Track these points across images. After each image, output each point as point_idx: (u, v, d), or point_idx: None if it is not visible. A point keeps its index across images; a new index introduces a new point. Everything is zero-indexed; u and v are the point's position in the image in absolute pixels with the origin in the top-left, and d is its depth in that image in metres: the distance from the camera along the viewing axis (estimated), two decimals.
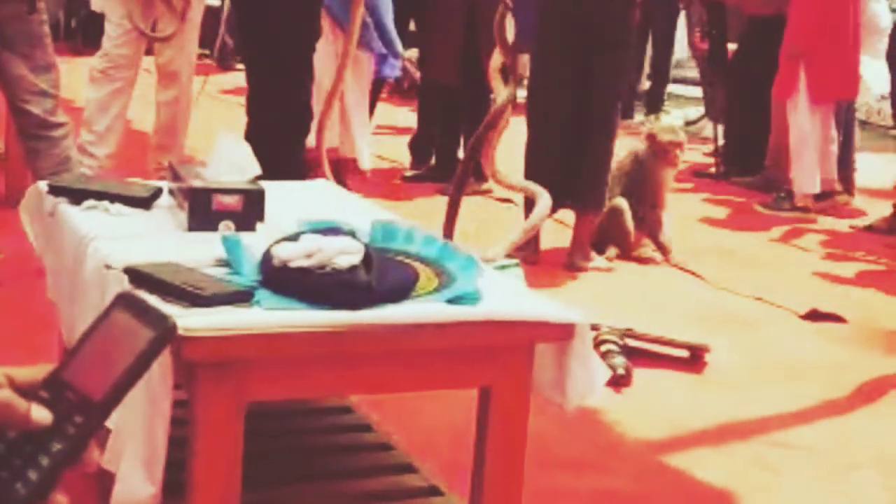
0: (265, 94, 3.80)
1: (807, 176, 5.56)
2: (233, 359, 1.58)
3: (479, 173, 5.27)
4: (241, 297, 1.66)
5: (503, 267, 4.00)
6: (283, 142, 3.65)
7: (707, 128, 7.76)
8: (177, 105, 4.80)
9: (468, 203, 5.31)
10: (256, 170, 2.13)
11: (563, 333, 1.83)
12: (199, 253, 1.84)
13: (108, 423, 1.52)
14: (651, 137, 4.64)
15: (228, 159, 2.09)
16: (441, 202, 4.81)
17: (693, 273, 4.41)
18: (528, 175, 4.19)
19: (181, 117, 4.84)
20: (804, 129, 5.50)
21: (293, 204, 2.25)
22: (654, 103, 8.72)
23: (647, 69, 9.16)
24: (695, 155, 6.97)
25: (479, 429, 1.84)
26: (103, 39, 4.61)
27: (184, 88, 4.82)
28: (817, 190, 5.60)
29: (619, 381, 3.15)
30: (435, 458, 2.29)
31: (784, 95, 5.62)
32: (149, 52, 4.86)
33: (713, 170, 6.54)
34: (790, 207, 5.63)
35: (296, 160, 3.68)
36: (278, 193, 2.24)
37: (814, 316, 3.91)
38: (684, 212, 5.62)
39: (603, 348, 3.27)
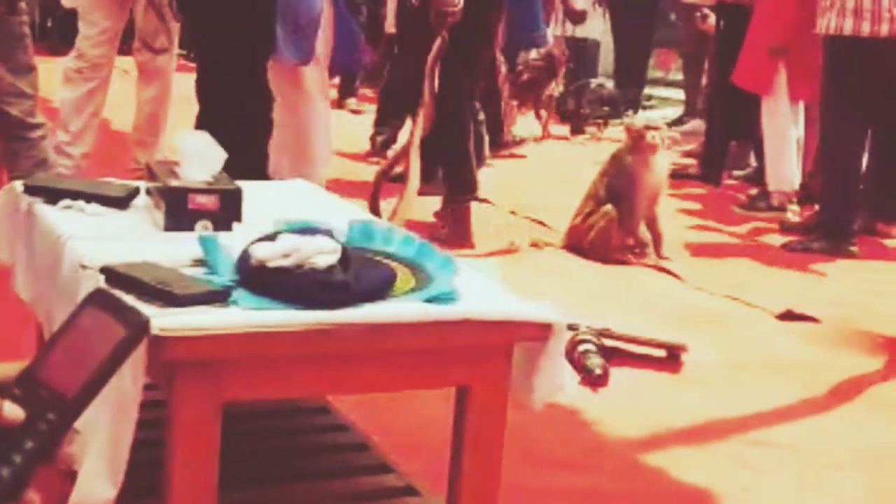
0: (212, 77, 3.72)
1: (783, 174, 5.59)
2: (209, 359, 1.58)
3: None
4: (218, 297, 1.66)
5: (481, 265, 4.01)
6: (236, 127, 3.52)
7: (691, 124, 7.84)
8: (159, 102, 4.81)
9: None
10: (222, 154, 2.12)
11: (540, 333, 1.84)
12: (176, 253, 1.84)
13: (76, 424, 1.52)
14: (628, 128, 4.68)
15: (195, 155, 2.09)
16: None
17: (669, 272, 4.43)
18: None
19: (163, 115, 4.85)
20: (782, 127, 5.51)
21: (271, 204, 2.24)
22: (632, 105, 8.79)
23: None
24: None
25: (456, 428, 1.85)
26: (77, 39, 4.60)
27: (167, 86, 4.83)
28: (794, 188, 5.63)
29: (596, 382, 3.16)
30: (413, 458, 2.29)
31: (763, 92, 5.64)
32: (125, 52, 4.87)
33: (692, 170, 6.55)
34: (766, 207, 5.66)
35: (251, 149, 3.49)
36: (256, 193, 2.23)
37: (789, 316, 3.93)
38: (661, 210, 5.65)
39: (580, 348, 3.28)
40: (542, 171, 6.54)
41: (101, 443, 1.53)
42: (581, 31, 8.47)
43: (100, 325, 0.77)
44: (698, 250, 4.90)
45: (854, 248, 4.87)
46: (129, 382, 1.53)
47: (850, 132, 4.94)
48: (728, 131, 6.33)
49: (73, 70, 4.57)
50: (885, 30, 4.71)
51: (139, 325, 0.76)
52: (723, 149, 6.43)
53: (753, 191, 5.99)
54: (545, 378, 1.86)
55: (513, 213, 5.34)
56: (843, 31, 4.76)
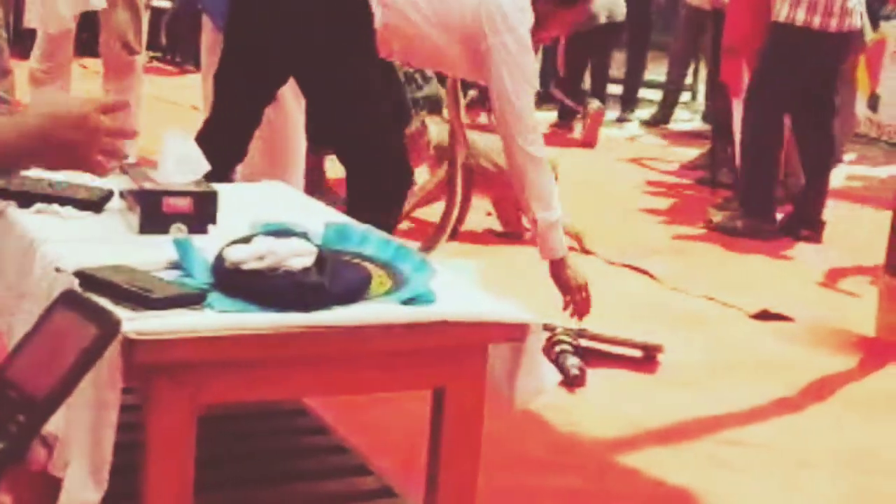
0: None
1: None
2: (185, 362, 1.57)
3: None
4: (193, 300, 1.65)
5: (459, 267, 4.01)
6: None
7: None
8: (135, 104, 4.81)
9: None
10: (205, 166, 2.11)
11: (516, 333, 1.84)
12: (151, 256, 1.83)
13: (55, 429, 1.52)
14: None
15: (177, 158, 2.08)
16: None
17: (645, 272, 4.44)
18: None
19: (135, 114, 4.85)
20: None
21: (246, 206, 2.23)
22: (628, 104, 8.85)
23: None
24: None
25: (433, 430, 1.85)
26: (39, 36, 4.62)
27: (138, 81, 4.89)
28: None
29: (573, 382, 3.17)
30: (390, 460, 2.29)
31: (733, 94, 5.68)
32: (87, 53, 4.91)
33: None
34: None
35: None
36: (231, 195, 2.22)
37: (764, 316, 3.96)
38: (635, 209, 5.68)
39: (557, 349, 3.29)
40: None
41: (82, 447, 1.53)
42: None
43: (70, 325, 0.76)
44: (674, 250, 4.92)
45: (772, 230, 5.14)
46: (107, 386, 1.52)
47: (776, 118, 5.19)
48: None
49: (41, 71, 4.59)
50: (833, 24, 4.97)
51: (110, 325, 0.76)
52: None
53: None
54: (527, 379, 1.86)
55: (489, 214, 5.35)
56: (795, 21, 4.98)
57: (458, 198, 4.31)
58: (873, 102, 7.76)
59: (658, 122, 8.63)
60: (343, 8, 3.10)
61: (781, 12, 5.04)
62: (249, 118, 3.23)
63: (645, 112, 9.00)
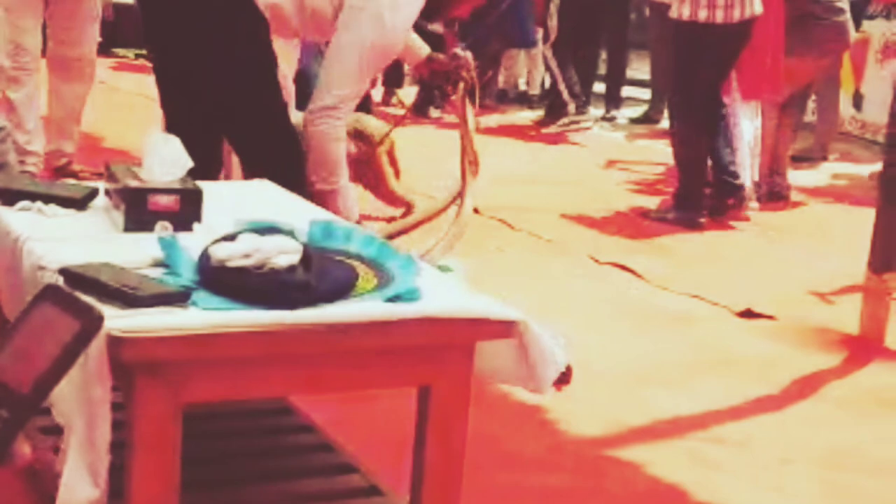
0: None
1: (740, 171, 5.64)
2: (169, 360, 1.57)
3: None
4: (178, 298, 1.65)
5: (445, 268, 4.02)
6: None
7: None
8: (85, 95, 5.02)
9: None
10: (188, 163, 2.11)
11: (502, 331, 1.85)
12: (136, 254, 1.83)
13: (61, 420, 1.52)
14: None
15: (160, 157, 2.08)
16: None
17: (631, 270, 4.45)
18: None
19: (83, 105, 5.07)
20: (738, 124, 5.56)
21: (231, 204, 2.23)
22: (612, 103, 8.87)
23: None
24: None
25: (418, 427, 1.85)
26: (13, 34, 4.65)
27: (91, 77, 5.04)
28: (748, 184, 5.68)
29: (559, 380, 3.16)
30: (376, 458, 2.29)
31: (724, 93, 5.71)
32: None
33: None
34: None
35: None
36: (216, 193, 2.22)
37: (748, 314, 3.97)
38: (621, 208, 5.69)
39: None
40: (502, 171, 6.55)
41: (78, 445, 1.53)
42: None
43: (53, 320, 0.76)
44: (660, 249, 4.93)
45: (703, 220, 5.30)
46: (97, 383, 1.52)
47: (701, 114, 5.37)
48: None
49: (17, 68, 4.62)
50: (719, 16, 5.15)
51: (93, 319, 0.76)
52: None
53: None
54: (544, 363, 1.91)
55: (476, 211, 5.35)
56: (682, 17, 5.21)
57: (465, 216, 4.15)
58: (857, 101, 7.79)
59: (648, 120, 8.66)
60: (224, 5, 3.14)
61: (678, 11, 5.22)
62: (201, 123, 3.18)
63: (633, 111, 9.02)
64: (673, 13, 5.28)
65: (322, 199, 3.24)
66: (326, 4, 3.25)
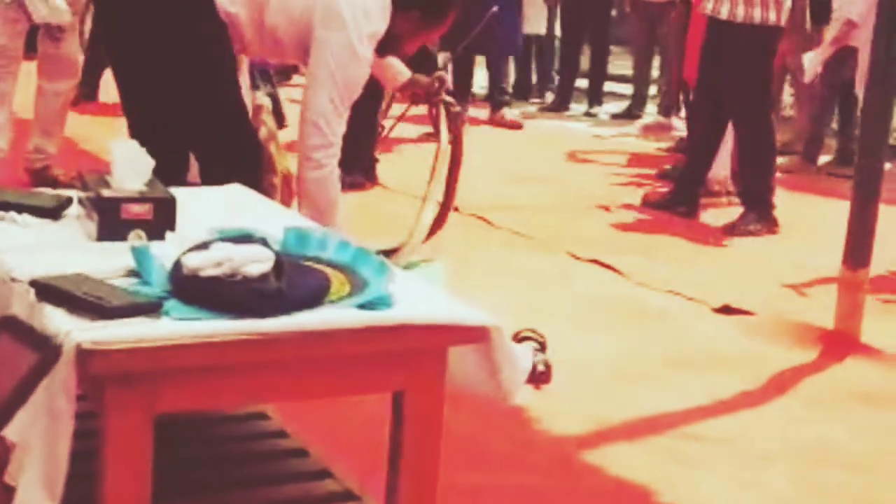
0: None
1: (719, 161, 5.66)
2: (141, 371, 1.57)
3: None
4: (150, 308, 1.65)
5: (423, 263, 4.03)
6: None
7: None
8: (67, 94, 5.10)
9: (393, 201, 5.38)
10: (150, 163, 2.12)
11: (475, 336, 1.86)
12: (109, 263, 1.83)
13: (14, 438, 1.52)
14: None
15: (126, 164, 2.08)
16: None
17: (609, 266, 4.47)
18: None
19: (68, 103, 5.17)
20: None
21: (206, 211, 2.23)
22: (594, 98, 8.90)
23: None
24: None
25: (393, 433, 1.86)
26: None
27: (76, 74, 5.18)
28: (727, 172, 5.72)
29: (539, 379, 3.19)
30: (352, 462, 2.30)
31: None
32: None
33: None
34: (704, 193, 5.74)
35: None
36: (191, 200, 2.22)
37: (726, 310, 4.00)
38: (601, 205, 5.71)
39: (523, 345, 3.31)
40: (482, 167, 6.56)
41: (37, 457, 1.53)
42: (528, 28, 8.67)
43: (10, 351, 0.77)
44: (640, 245, 4.95)
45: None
46: (61, 395, 1.52)
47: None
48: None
49: None
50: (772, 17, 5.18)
51: (50, 351, 0.77)
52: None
53: None
54: (509, 369, 1.91)
55: (456, 209, 5.36)
56: (753, 20, 5.16)
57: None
58: None
59: (629, 115, 8.69)
60: (185, 9, 3.13)
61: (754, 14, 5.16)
62: (164, 126, 3.17)
63: (615, 107, 9.06)
64: (729, 16, 5.18)
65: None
66: (287, 28, 3.18)
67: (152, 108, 3.20)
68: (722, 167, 5.71)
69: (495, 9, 5.76)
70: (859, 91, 6.40)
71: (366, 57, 3.16)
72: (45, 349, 0.76)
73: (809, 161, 6.89)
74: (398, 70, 3.62)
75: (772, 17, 5.15)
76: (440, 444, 1.86)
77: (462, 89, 7.87)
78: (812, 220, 5.51)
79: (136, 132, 3.17)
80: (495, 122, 7.99)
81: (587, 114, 8.87)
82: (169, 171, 2.58)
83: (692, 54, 5.77)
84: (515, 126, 7.95)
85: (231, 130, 3.25)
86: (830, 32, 6.44)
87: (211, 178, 3.00)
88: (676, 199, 5.56)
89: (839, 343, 3.72)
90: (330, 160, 3.17)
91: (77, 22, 5.13)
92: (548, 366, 3.24)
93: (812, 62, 6.79)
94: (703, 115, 5.47)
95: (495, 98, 8.12)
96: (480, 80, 9.17)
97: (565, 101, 9.03)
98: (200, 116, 3.20)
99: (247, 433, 2.22)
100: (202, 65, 3.15)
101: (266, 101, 3.94)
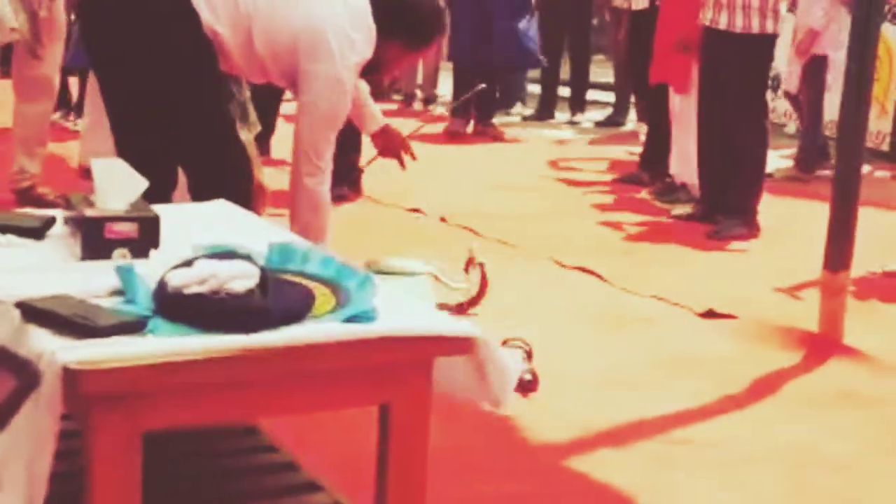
0: None
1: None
2: (127, 390, 1.58)
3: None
4: (135, 327, 1.66)
5: (411, 274, 4.05)
6: None
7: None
8: (46, 113, 5.15)
9: (380, 213, 5.40)
10: (143, 183, 2.13)
11: (460, 347, 1.87)
12: (93, 283, 1.84)
13: None
14: None
15: (111, 183, 2.10)
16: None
17: (594, 273, 4.50)
18: None
19: (47, 123, 5.22)
20: (694, 122, 5.61)
21: (190, 228, 2.25)
22: (577, 105, 8.95)
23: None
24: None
25: (380, 445, 1.87)
26: None
27: (53, 95, 5.19)
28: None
29: (526, 387, 3.21)
30: (342, 475, 2.31)
31: (680, 91, 5.77)
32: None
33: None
34: (686, 198, 5.77)
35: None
36: (175, 217, 2.24)
37: (710, 315, 4.02)
38: (583, 212, 5.74)
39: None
40: (467, 177, 6.59)
41: (17, 476, 1.53)
42: None
43: None
44: (623, 251, 4.98)
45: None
46: (44, 415, 1.53)
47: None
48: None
49: None
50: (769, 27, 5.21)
51: (30, 377, 0.78)
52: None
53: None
54: (497, 377, 1.92)
55: (443, 220, 5.39)
56: (752, 29, 5.18)
57: None
58: None
59: (612, 123, 8.73)
60: (172, 28, 3.13)
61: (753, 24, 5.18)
62: (152, 145, 3.18)
63: (599, 114, 9.10)
64: (728, 26, 5.20)
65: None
66: (272, 57, 3.18)
67: (139, 125, 3.21)
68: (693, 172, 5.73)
69: (482, 85, 5.82)
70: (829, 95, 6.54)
71: (351, 85, 3.21)
72: (25, 375, 0.77)
73: (805, 171, 6.92)
74: (373, 113, 3.68)
75: (769, 26, 5.18)
76: (427, 455, 1.87)
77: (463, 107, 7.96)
78: (794, 223, 5.54)
79: (122, 149, 3.19)
80: (480, 132, 8.02)
81: (570, 122, 8.90)
82: (156, 188, 2.61)
83: (661, 56, 5.80)
84: (499, 137, 7.99)
85: (219, 146, 3.26)
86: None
87: (200, 194, 3.01)
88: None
89: (822, 346, 3.74)
90: (321, 186, 3.24)
91: (62, 43, 5.13)
92: (534, 374, 3.26)
93: (789, 74, 6.87)
94: (703, 125, 5.46)
95: (483, 109, 8.15)
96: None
97: (549, 109, 9.07)
98: (187, 133, 3.21)
99: (236, 448, 2.23)
100: (188, 80, 3.16)
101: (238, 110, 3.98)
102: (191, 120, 3.19)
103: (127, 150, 3.12)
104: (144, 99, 3.17)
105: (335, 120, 3.21)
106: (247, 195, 3.23)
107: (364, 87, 3.58)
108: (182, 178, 3.37)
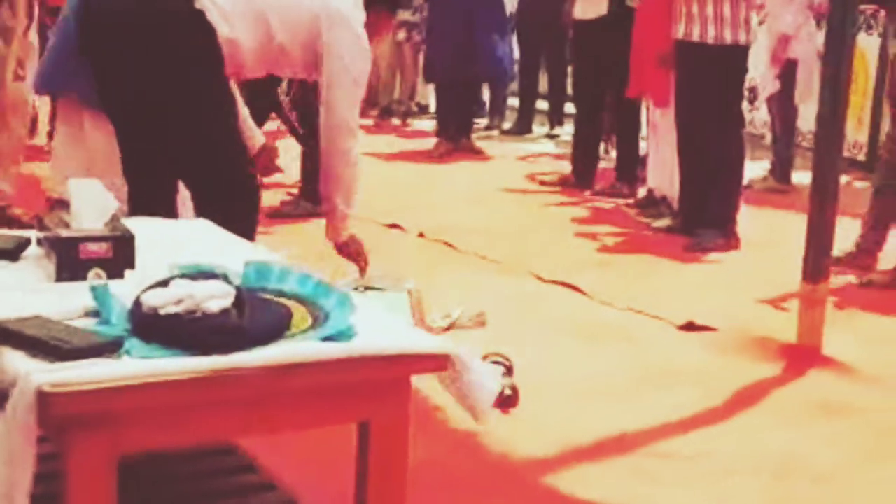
0: None
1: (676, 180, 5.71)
2: (102, 412, 1.57)
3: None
4: (110, 348, 1.65)
5: (390, 290, 4.04)
6: None
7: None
8: (20, 134, 5.12)
9: (359, 229, 5.37)
10: (114, 204, 2.12)
11: (437, 364, 1.87)
12: (69, 304, 1.83)
13: None
14: None
15: (87, 203, 2.09)
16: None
17: (573, 287, 4.50)
18: None
19: (22, 143, 5.21)
20: (672, 136, 5.63)
21: (166, 247, 2.24)
22: (555, 118, 8.98)
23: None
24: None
25: (359, 462, 1.87)
26: None
27: (26, 114, 5.22)
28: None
29: (506, 402, 3.20)
30: (321, 494, 2.30)
31: (660, 104, 5.79)
32: None
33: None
34: (669, 211, 5.78)
35: None
36: (150, 236, 2.23)
37: (690, 327, 4.03)
38: (562, 225, 5.74)
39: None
40: (445, 192, 6.59)
41: None
42: None
43: None
44: (602, 264, 4.99)
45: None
46: (19, 438, 1.51)
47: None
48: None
49: None
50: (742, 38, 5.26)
51: None
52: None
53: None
54: (478, 392, 1.93)
55: (421, 235, 5.38)
56: (725, 41, 5.22)
57: None
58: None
59: None
60: (180, 39, 3.16)
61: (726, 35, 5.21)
62: (155, 160, 3.25)
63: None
64: (701, 37, 5.23)
65: (341, 220, 3.54)
66: (294, 44, 3.32)
67: (145, 143, 3.24)
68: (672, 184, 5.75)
69: None
70: (799, 103, 6.58)
71: (367, 41, 3.42)
72: None
73: (780, 180, 6.95)
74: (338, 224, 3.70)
75: (741, 37, 5.22)
76: (407, 472, 1.87)
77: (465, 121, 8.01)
78: (773, 234, 5.56)
79: (128, 166, 3.25)
80: (463, 148, 8.02)
81: (549, 135, 8.93)
82: (159, 203, 2.63)
83: (637, 70, 5.82)
84: (479, 152, 8.01)
85: (225, 165, 3.27)
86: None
87: (205, 213, 3.02)
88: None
89: (802, 356, 3.75)
90: (357, 150, 3.48)
91: (34, 63, 5.11)
92: (515, 389, 3.25)
93: (765, 81, 6.90)
94: (681, 138, 5.48)
95: (462, 125, 8.16)
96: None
97: (527, 123, 9.09)
98: (193, 151, 3.23)
99: (213, 468, 2.22)
100: (195, 98, 3.18)
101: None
102: (195, 138, 3.21)
103: (131, 167, 3.20)
104: (149, 116, 3.18)
105: (363, 80, 3.42)
106: (251, 217, 3.28)
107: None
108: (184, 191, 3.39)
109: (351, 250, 3.71)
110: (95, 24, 3.21)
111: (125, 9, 3.15)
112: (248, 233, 3.04)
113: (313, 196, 4.98)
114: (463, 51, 7.61)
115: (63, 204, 2.29)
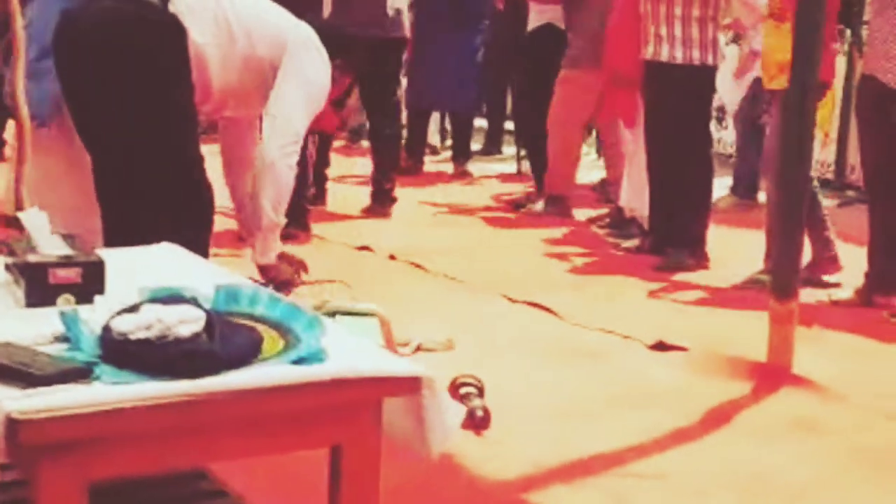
0: None
1: (645, 199, 5.74)
2: (72, 439, 1.55)
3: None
4: (80, 374, 1.64)
5: (361, 314, 4.04)
6: None
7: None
8: None
9: (329, 252, 5.37)
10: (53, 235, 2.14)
11: (409, 387, 1.87)
12: (38, 329, 1.81)
13: None
14: None
15: (41, 231, 2.09)
16: None
17: (543, 307, 4.51)
18: None
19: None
20: (641, 155, 5.67)
21: (136, 271, 2.22)
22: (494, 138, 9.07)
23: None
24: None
25: (331, 486, 1.86)
26: None
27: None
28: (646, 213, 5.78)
29: (478, 424, 3.20)
30: None
31: (629, 125, 5.84)
32: None
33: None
34: (639, 232, 5.81)
35: None
36: (120, 261, 2.21)
37: (661, 347, 4.05)
38: (532, 246, 5.76)
39: (462, 391, 3.32)
40: (417, 214, 6.60)
41: None
42: None
43: None
44: (572, 285, 5.00)
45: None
46: None
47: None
48: None
49: None
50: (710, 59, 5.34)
51: None
52: None
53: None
54: (437, 424, 1.90)
55: (392, 257, 5.38)
56: (693, 61, 5.29)
57: None
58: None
59: None
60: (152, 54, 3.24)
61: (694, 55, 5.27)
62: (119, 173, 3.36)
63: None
64: (669, 58, 5.29)
65: (270, 230, 3.70)
66: (268, 64, 3.52)
67: (115, 157, 3.31)
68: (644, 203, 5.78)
69: None
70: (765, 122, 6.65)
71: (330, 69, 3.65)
72: None
73: (742, 197, 7.01)
74: (266, 236, 3.79)
75: (709, 58, 5.29)
76: (379, 496, 1.86)
77: (418, 146, 8.07)
78: (741, 252, 5.60)
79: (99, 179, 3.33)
80: (459, 175, 8.08)
81: (519, 157, 8.94)
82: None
83: (614, 42, 5.83)
84: (468, 175, 8.07)
85: (180, 180, 3.33)
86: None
87: (153, 218, 3.08)
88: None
89: (772, 375, 3.78)
90: (293, 163, 3.68)
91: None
92: (486, 411, 3.25)
93: (732, 97, 6.97)
94: (650, 158, 5.53)
95: (459, 154, 8.22)
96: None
97: (496, 144, 9.11)
98: (155, 155, 3.29)
99: (185, 494, 2.20)
100: (166, 106, 3.26)
101: None
102: (154, 152, 3.28)
103: (106, 186, 3.29)
104: (123, 124, 3.25)
105: (321, 93, 3.62)
106: (203, 232, 3.34)
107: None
108: None
109: (281, 270, 3.84)
110: (73, 41, 3.26)
111: (102, 21, 3.23)
112: (198, 241, 3.10)
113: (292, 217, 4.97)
114: (435, 79, 7.66)
115: (16, 221, 2.30)
